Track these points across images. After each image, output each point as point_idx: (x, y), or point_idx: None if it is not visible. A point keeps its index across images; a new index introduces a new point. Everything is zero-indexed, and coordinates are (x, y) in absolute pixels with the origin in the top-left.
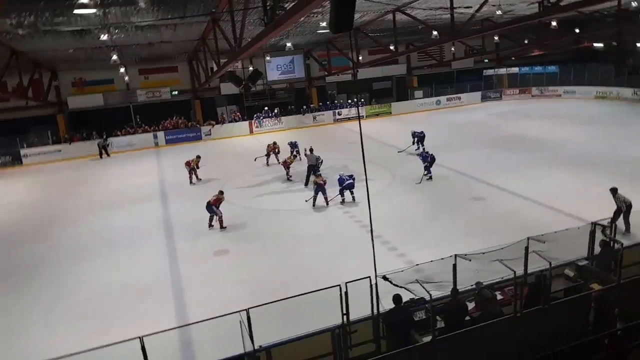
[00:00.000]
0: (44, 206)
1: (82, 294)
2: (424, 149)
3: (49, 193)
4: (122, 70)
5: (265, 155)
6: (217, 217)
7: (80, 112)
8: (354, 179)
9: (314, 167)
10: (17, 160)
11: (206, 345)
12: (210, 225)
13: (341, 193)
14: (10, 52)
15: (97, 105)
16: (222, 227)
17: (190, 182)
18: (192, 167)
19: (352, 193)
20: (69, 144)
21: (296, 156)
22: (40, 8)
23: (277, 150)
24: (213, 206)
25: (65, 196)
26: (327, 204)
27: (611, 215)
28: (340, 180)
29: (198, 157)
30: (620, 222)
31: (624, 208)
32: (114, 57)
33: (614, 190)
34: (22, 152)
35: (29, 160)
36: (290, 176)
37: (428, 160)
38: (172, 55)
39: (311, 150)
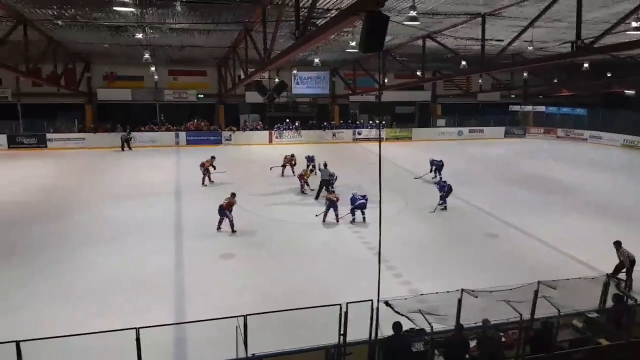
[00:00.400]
0: (62, 190)
1: (87, 278)
2: (441, 177)
3: (69, 178)
4: (152, 69)
5: (282, 166)
6: (229, 221)
7: (108, 104)
8: (366, 200)
9: (327, 182)
10: (42, 143)
11: (200, 345)
12: (219, 228)
13: (352, 212)
14: (48, 41)
15: (125, 99)
16: (232, 231)
17: (203, 183)
18: (207, 167)
19: (363, 213)
20: (93, 133)
21: (313, 170)
22: (81, 2)
23: (293, 162)
24: (226, 210)
25: (83, 182)
26: (338, 221)
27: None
28: (353, 200)
29: (213, 157)
30: None
31: (627, 263)
32: (146, 55)
33: (617, 244)
34: (48, 136)
35: (54, 145)
36: (305, 190)
37: (445, 190)
38: (202, 59)
39: (325, 165)
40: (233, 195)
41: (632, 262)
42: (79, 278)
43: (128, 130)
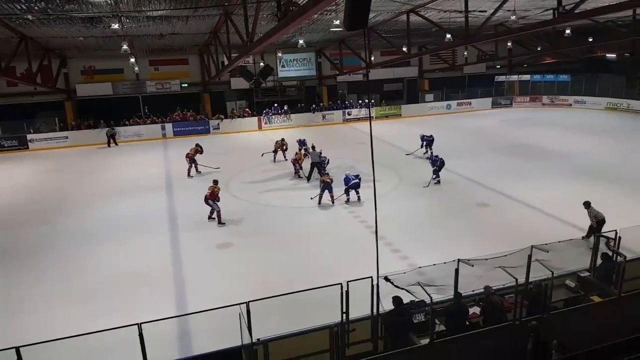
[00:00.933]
0: (49, 190)
1: (83, 277)
2: (432, 152)
3: (55, 178)
4: (132, 60)
5: (273, 151)
6: (216, 212)
7: (89, 100)
8: (360, 179)
9: (317, 164)
10: (23, 144)
11: (204, 336)
12: (211, 218)
13: (347, 192)
14: (20, 37)
15: (106, 94)
16: (219, 223)
17: (189, 174)
18: (192, 157)
19: (357, 193)
20: (76, 130)
21: (306, 154)
22: None
23: (284, 147)
24: (210, 200)
25: (70, 182)
26: (333, 202)
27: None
28: (347, 180)
29: (197, 145)
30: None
31: (594, 223)
32: (125, 46)
33: (586, 204)
34: (29, 137)
35: (35, 145)
36: (300, 174)
37: (437, 164)
38: (183, 47)
39: (313, 147)
40: (215, 182)
41: (600, 221)
42: (75, 279)
43: (112, 126)
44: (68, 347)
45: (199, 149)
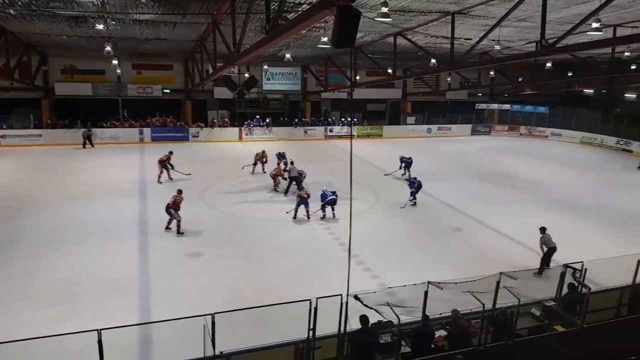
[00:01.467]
0: (18, 188)
1: (47, 279)
2: (410, 174)
3: (26, 176)
4: (114, 62)
5: (253, 164)
6: (176, 221)
7: (67, 99)
8: (336, 196)
9: (296, 179)
10: None
11: (166, 345)
12: (168, 228)
13: (323, 208)
14: (0, 31)
15: (85, 94)
16: (178, 233)
17: (159, 180)
18: (165, 164)
19: (333, 209)
20: (51, 129)
21: (285, 168)
22: None
23: (264, 159)
24: (172, 209)
25: (41, 181)
26: (309, 217)
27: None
28: (323, 196)
29: (170, 152)
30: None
31: (542, 250)
32: (108, 48)
33: (542, 230)
34: (0, 132)
35: (7, 142)
36: (278, 188)
37: (415, 186)
38: (168, 53)
39: (292, 162)
40: (179, 192)
41: (550, 249)
42: (38, 279)
43: (88, 127)
44: (24, 350)
45: (170, 157)
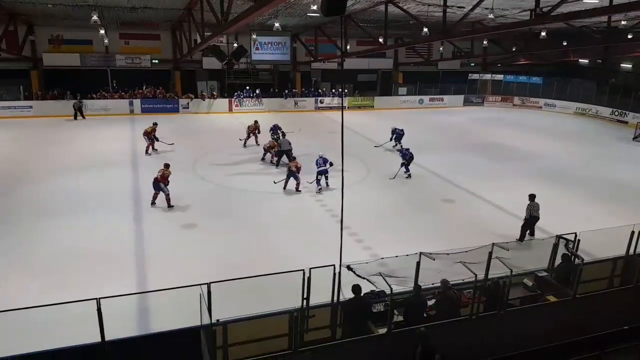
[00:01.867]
0: (9, 160)
1: (41, 250)
2: (402, 146)
3: (16, 148)
4: (101, 32)
5: (246, 137)
6: (165, 195)
7: (55, 70)
8: (331, 164)
9: (287, 152)
10: None
11: (163, 314)
12: (153, 203)
13: (317, 182)
14: None
15: (74, 65)
16: (169, 206)
17: (147, 152)
18: (150, 135)
19: (327, 179)
20: (41, 100)
21: (277, 140)
22: None
23: (257, 130)
24: (160, 183)
25: (33, 153)
26: (299, 190)
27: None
28: (317, 163)
29: (155, 124)
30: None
31: (527, 216)
32: (94, 17)
33: (531, 197)
34: None
35: None
36: (271, 160)
37: (407, 157)
38: (156, 22)
39: (283, 134)
40: (167, 166)
41: (532, 217)
42: (33, 251)
43: (79, 98)
44: (22, 319)
45: (155, 129)
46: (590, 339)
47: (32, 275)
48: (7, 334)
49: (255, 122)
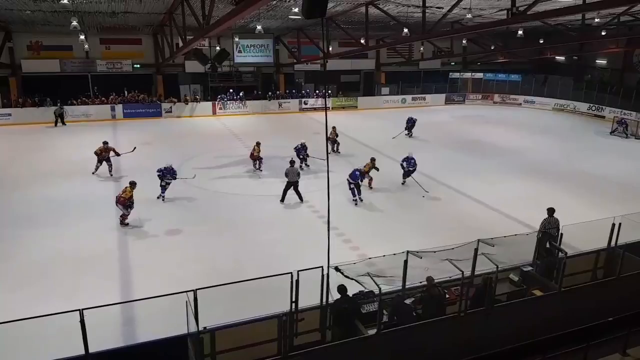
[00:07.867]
0: None
1: (22, 260)
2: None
3: None
4: (81, 37)
5: (253, 163)
6: (121, 215)
7: (35, 76)
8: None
9: (293, 184)
10: None
11: (149, 324)
12: (124, 224)
13: (356, 191)
14: None
15: (53, 71)
16: (122, 224)
17: (94, 172)
18: (102, 156)
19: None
20: (20, 108)
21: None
22: None
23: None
24: (118, 205)
25: (13, 160)
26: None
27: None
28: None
29: (105, 142)
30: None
31: (539, 233)
32: (74, 23)
33: (550, 211)
34: None
35: None
36: (258, 166)
37: (412, 169)
38: (137, 27)
39: (291, 163)
40: (132, 185)
41: (544, 234)
42: (13, 261)
43: (59, 104)
44: (1, 334)
45: (106, 147)
46: (577, 331)
47: (13, 286)
48: None
49: (258, 145)
